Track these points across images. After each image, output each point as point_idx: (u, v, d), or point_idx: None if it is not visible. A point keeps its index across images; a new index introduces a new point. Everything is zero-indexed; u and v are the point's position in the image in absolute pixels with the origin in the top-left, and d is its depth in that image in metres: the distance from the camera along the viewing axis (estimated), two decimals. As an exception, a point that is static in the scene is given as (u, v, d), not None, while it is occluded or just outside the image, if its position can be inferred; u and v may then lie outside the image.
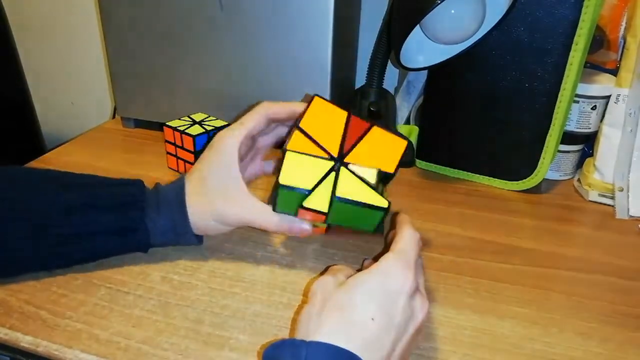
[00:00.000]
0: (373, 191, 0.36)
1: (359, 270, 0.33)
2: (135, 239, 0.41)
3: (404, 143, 0.39)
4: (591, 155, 0.59)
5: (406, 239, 0.34)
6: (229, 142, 0.40)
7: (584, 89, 0.55)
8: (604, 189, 0.56)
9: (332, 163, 0.37)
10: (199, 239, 0.43)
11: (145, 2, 0.61)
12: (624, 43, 0.55)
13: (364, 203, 0.36)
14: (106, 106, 0.98)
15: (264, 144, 0.46)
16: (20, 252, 0.38)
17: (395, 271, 0.31)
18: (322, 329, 0.28)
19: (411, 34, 0.47)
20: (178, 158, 0.57)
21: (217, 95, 0.64)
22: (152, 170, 0.44)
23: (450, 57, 0.52)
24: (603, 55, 0.59)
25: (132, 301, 0.39)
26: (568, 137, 0.58)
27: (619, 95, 0.54)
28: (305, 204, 0.36)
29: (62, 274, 0.41)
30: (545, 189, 0.60)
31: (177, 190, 0.41)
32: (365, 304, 0.29)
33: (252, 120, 0.40)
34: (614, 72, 0.57)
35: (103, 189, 0.41)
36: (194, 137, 0.54)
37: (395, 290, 0.30)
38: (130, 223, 0.40)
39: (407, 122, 0.72)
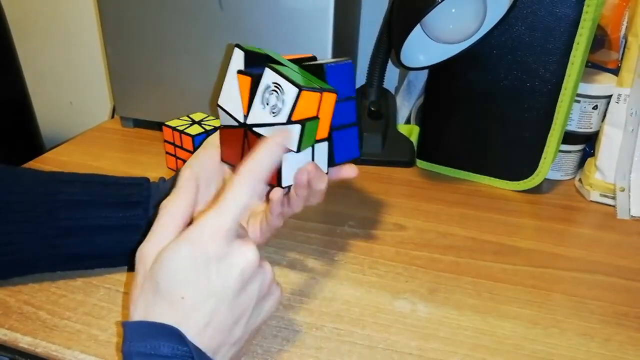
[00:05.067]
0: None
1: None
2: (137, 237, 0.40)
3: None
4: (592, 155, 0.59)
5: (228, 195, 0.29)
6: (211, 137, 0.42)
7: (585, 88, 0.55)
8: (606, 189, 0.56)
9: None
10: None
11: (145, 1, 0.61)
12: (625, 42, 0.55)
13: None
14: (105, 106, 0.98)
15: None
16: (20, 245, 0.37)
17: (202, 239, 0.28)
18: (135, 314, 0.28)
19: (412, 33, 0.47)
20: (177, 158, 0.57)
21: (216, 94, 0.64)
22: (151, 170, 0.44)
23: (451, 56, 0.52)
24: (604, 55, 0.59)
25: (132, 302, 0.39)
26: (569, 137, 0.58)
27: (620, 95, 0.54)
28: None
29: (61, 274, 0.41)
30: (547, 189, 0.60)
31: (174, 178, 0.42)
32: (171, 285, 0.28)
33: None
34: (615, 71, 0.57)
35: (108, 187, 0.41)
36: (193, 136, 0.54)
37: (202, 262, 0.28)
38: (133, 220, 0.40)
39: (408, 121, 0.72)
